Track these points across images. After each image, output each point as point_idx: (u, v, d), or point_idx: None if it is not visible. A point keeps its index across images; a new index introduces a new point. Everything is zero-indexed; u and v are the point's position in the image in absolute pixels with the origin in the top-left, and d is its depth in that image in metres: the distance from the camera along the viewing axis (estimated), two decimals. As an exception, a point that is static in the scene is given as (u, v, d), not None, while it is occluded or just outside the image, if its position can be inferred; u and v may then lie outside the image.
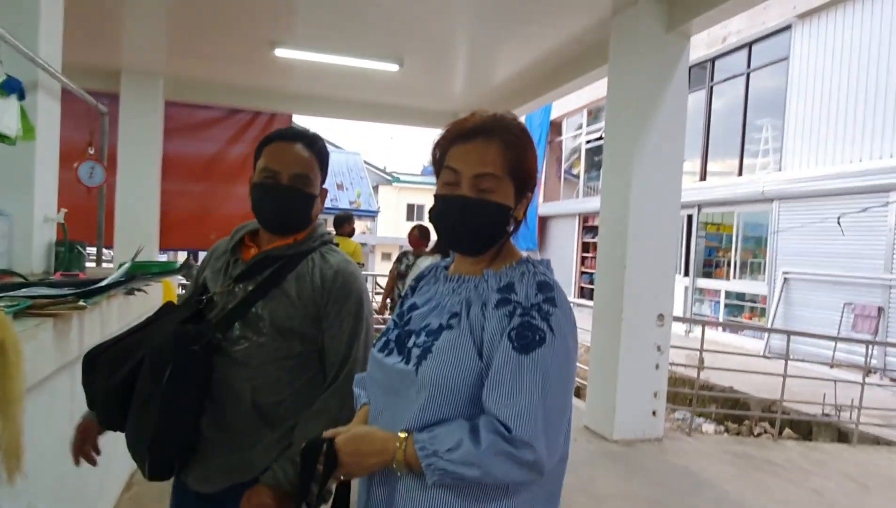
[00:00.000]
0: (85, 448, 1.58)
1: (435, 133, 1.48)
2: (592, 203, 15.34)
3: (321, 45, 6.10)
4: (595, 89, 11.65)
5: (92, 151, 4.05)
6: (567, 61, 6.27)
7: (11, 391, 1.59)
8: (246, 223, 1.66)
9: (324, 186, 1.64)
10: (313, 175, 1.56)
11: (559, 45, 5.88)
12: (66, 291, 2.23)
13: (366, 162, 27.94)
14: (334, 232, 6.87)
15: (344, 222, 6.81)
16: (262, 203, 1.54)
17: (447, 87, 7.49)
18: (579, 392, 6.68)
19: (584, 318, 5.42)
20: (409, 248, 6.28)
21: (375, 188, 28.25)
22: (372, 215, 24.68)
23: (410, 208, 30.79)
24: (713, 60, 12.54)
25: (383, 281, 9.91)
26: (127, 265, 2.86)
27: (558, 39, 5.73)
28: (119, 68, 7.07)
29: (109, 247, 6.78)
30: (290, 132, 1.58)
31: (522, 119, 8.06)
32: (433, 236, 5.08)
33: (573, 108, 16.86)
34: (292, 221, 1.57)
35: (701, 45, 11.99)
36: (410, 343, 1.17)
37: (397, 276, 6.20)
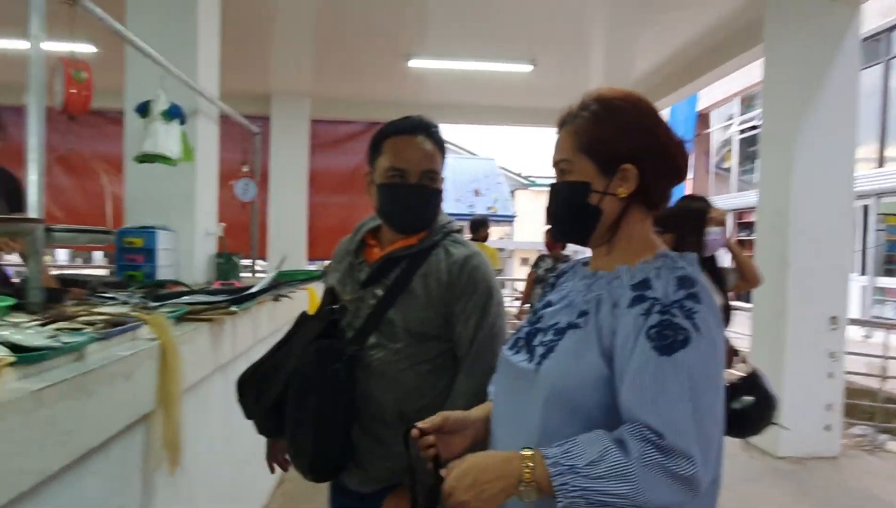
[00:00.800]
0: (280, 457, 1.65)
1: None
2: (747, 198, 14.16)
3: (454, 52, 6.17)
4: (748, 75, 10.76)
5: (246, 169, 4.38)
6: (714, 46, 5.82)
7: (170, 390, 1.71)
8: (365, 221, 1.63)
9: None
10: (438, 168, 1.50)
11: (705, 30, 5.47)
12: (220, 298, 2.40)
13: (502, 167, 28.00)
14: (470, 237, 6.94)
15: (479, 226, 6.81)
16: (391, 206, 1.49)
17: (583, 84, 7.27)
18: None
19: (738, 322, 4.96)
20: (547, 251, 6.14)
21: (513, 193, 28.21)
22: (509, 219, 24.64)
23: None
24: (889, 31, 11.10)
25: (520, 285, 9.79)
26: (273, 274, 3.03)
27: (704, 24, 5.33)
28: (269, 92, 7.63)
29: (262, 258, 7.33)
30: (408, 124, 1.49)
31: (666, 113, 7.63)
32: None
33: (722, 97, 15.72)
34: (423, 221, 1.51)
35: (874, 14, 10.65)
36: (537, 341, 1.09)
37: (535, 280, 6.08)
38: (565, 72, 6.87)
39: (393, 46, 6.01)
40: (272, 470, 1.68)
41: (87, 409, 1.29)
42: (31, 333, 1.28)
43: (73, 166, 6.14)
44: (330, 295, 1.58)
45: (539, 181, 31.65)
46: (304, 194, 7.76)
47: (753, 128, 14.17)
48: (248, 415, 1.60)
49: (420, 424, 1.15)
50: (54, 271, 2.75)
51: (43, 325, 1.43)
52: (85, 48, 4.60)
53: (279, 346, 1.60)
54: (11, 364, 1.14)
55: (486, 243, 6.78)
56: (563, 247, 5.86)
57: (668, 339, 0.94)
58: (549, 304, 1.17)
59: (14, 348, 1.18)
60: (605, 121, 1.07)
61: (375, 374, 1.45)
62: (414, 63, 6.29)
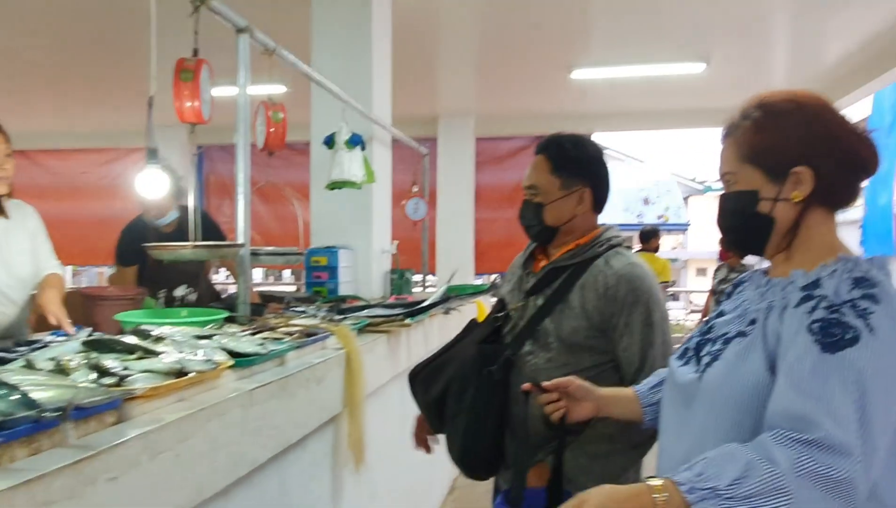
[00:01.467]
0: (421, 435, 1.78)
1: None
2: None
3: (618, 58, 6.03)
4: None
5: (416, 189, 4.64)
6: (922, 22, 5.09)
7: (355, 394, 1.89)
8: None
9: (584, 185, 1.58)
10: (542, 182, 1.58)
11: (909, 5, 4.81)
12: (396, 311, 2.58)
13: (673, 173, 26.57)
14: (640, 248, 6.70)
15: (650, 236, 6.56)
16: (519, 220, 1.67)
17: (763, 78, 6.72)
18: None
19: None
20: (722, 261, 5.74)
21: (686, 200, 26.62)
22: (682, 228, 23.30)
23: (727, 217, 28.22)
24: None
25: (695, 297, 9.21)
26: (444, 288, 3.18)
27: (907, -2, 4.69)
28: (436, 114, 8.00)
29: (432, 273, 7.64)
30: (539, 145, 1.64)
31: (868, 101, 6.80)
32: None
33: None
34: (528, 231, 1.65)
35: None
36: (705, 352, 1.06)
37: (712, 292, 5.71)
38: (743, 67, 6.39)
39: (555, 59, 6.02)
40: (419, 447, 1.78)
41: (290, 408, 1.47)
42: (243, 341, 1.49)
43: (268, 195, 6.93)
44: (500, 304, 1.68)
45: (716, 186, 29.54)
46: (470, 211, 8.00)
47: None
48: (419, 407, 1.74)
49: (545, 383, 1.26)
50: (254, 288, 3.14)
51: (252, 334, 1.66)
52: (278, 89, 5.19)
53: (448, 347, 1.73)
54: (230, 367, 1.34)
55: (656, 255, 6.51)
56: (740, 257, 5.45)
57: (833, 337, 0.86)
58: (721, 314, 1.13)
59: (231, 353, 1.38)
60: (767, 127, 1.02)
61: (527, 379, 1.49)
62: (577, 74, 6.25)
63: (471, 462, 1.57)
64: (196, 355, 1.26)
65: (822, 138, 0.99)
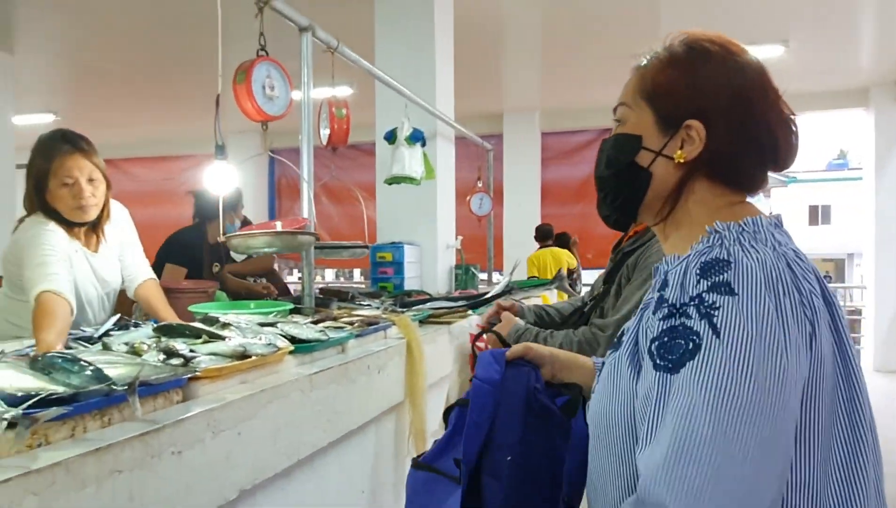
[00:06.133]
0: None
1: (837, 117, 1.24)
2: None
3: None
4: None
5: (480, 185, 4.64)
6: None
7: (416, 384, 1.90)
8: None
9: None
10: None
11: None
12: (459, 303, 2.58)
13: (752, 166, 25.40)
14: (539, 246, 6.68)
15: (546, 236, 6.67)
16: None
17: (849, 60, 6.32)
18: None
19: None
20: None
21: (767, 193, 25.39)
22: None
23: (813, 210, 26.72)
24: None
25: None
26: (507, 280, 3.16)
27: None
28: (501, 111, 7.97)
29: (498, 269, 7.62)
30: None
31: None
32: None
33: None
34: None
35: None
36: None
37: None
38: (824, 49, 6.04)
39: (622, 48, 5.87)
40: None
41: (350, 394, 1.49)
42: (305, 328, 1.52)
43: (337, 195, 7.10)
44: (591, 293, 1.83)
45: (801, 177, 28.04)
46: (536, 207, 7.92)
47: None
48: None
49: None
50: (321, 286, 3.21)
51: (314, 323, 1.70)
52: (343, 91, 5.31)
53: None
54: (291, 353, 1.38)
55: (557, 249, 6.66)
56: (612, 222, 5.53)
57: (674, 352, 0.69)
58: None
59: (292, 340, 1.42)
60: (680, 65, 0.84)
61: None
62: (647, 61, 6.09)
63: None
64: (259, 339, 1.30)
65: (731, 97, 0.81)
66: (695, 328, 0.69)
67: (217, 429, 1.04)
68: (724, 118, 0.81)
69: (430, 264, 3.61)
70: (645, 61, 0.89)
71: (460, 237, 3.96)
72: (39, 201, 1.79)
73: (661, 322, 0.73)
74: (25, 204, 1.86)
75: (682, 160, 0.82)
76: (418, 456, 1.18)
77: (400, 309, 2.27)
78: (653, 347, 0.72)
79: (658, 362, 0.71)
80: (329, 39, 2.39)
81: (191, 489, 0.97)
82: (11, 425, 0.74)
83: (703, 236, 0.79)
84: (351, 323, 1.78)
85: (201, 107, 6.79)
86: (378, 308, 2.24)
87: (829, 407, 0.72)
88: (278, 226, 2.08)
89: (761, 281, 0.70)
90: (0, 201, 5.06)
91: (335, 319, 1.86)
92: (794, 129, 0.84)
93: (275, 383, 1.22)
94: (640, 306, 0.82)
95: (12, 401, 0.80)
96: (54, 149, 1.78)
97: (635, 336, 0.79)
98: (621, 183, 0.88)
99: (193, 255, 3.15)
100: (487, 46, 5.68)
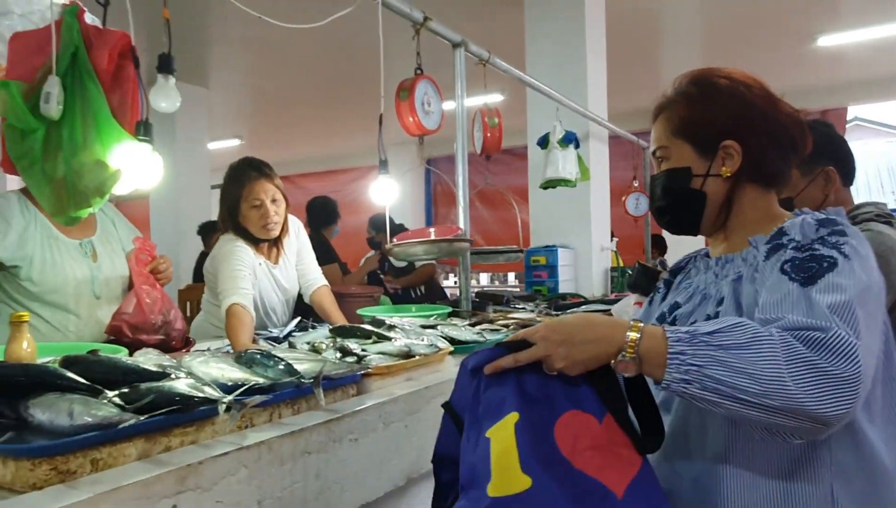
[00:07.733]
0: None
1: None
2: None
3: (875, 17, 5.19)
4: None
5: (636, 184, 4.49)
6: None
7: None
8: None
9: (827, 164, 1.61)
10: None
11: None
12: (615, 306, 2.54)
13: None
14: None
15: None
16: None
17: None
18: None
19: None
20: None
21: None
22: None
23: None
24: None
25: None
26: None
27: None
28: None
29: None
30: None
31: None
32: None
33: None
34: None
35: None
36: None
37: None
38: None
39: (795, 28, 5.38)
40: None
41: (505, 394, 1.55)
42: (463, 330, 1.61)
43: (491, 200, 7.24)
44: None
45: None
46: (699, 204, 7.51)
47: None
48: None
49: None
50: (476, 289, 3.32)
51: (472, 326, 1.78)
52: (495, 98, 5.41)
53: None
54: (451, 353, 1.47)
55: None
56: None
57: (810, 271, 0.84)
58: (676, 306, 1.06)
59: (451, 341, 1.51)
60: (699, 101, 1.02)
61: None
62: (824, 40, 5.51)
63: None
64: (422, 340, 1.41)
65: (751, 114, 0.99)
66: (826, 255, 0.86)
67: (388, 420, 1.14)
68: (749, 130, 0.99)
69: (585, 267, 3.58)
70: (662, 107, 1.06)
71: (616, 239, 3.88)
72: (232, 222, 2.06)
73: (792, 252, 0.89)
74: (219, 225, 2.15)
75: (728, 175, 1.00)
76: None
77: (554, 312, 2.29)
78: (786, 267, 0.87)
79: (793, 275, 0.86)
80: (480, 52, 2.48)
81: (366, 472, 1.08)
82: (227, 409, 0.88)
83: (780, 223, 0.97)
84: (506, 325, 1.84)
85: (357, 124, 7.32)
86: (532, 311, 2.28)
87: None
88: (432, 233, 2.20)
89: (857, 232, 0.91)
90: (199, 217, 5.79)
91: (491, 321, 1.93)
92: (802, 119, 1.02)
93: (437, 380, 1.31)
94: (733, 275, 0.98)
95: (225, 388, 0.95)
96: (244, 176, 2.03)
97: (736, 302, 0.93)
98: (680, 207, 1.05)
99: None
100: (643, 38, 5.47)
